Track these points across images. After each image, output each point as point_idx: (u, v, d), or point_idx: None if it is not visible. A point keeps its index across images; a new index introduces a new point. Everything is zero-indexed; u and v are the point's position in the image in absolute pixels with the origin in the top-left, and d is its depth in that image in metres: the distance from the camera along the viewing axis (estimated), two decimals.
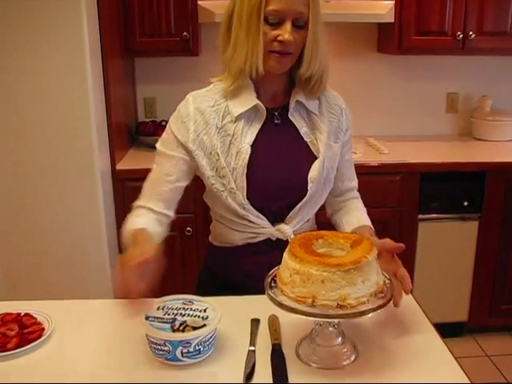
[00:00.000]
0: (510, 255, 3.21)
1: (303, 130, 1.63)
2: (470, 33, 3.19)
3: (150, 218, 1.58)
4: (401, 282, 1.36)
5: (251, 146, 1.56)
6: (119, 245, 2.96)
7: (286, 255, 1.26)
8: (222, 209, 1.63)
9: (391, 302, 1.24)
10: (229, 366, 1.29)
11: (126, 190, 2.95)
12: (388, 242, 1.43)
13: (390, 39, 3.26)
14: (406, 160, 3.07)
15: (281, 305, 1.21)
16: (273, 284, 1.28)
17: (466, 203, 3.12)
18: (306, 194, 1.60)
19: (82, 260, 2.78)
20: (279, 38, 1.46)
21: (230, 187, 1.55)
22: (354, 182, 1.80)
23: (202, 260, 1.90)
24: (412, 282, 3.24)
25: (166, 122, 3.49)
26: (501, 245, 3.18)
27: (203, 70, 3.53)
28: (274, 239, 1.64)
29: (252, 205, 1.58)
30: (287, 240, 1.58)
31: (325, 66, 1.58)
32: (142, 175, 2.89)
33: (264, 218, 1.61)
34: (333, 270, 1.15)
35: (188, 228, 2.98)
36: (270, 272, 1.32)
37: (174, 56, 3.35)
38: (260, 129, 1.59)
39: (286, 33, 1.45)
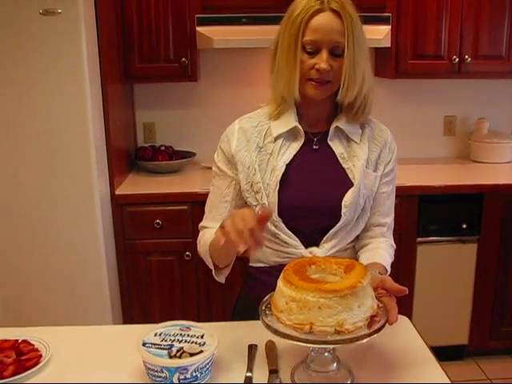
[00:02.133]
0: (510, 277, 3.20)
1: (341, 155, 1.65)
2: (466, 56, 3.22)
3: None
4: (388, 312, 1.31)
5: (287, 165, 1.62)
6: (118, 270, 2.99)
7: (280, 282, 1.26)
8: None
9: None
10: None
11: (125, 214, 2.96)
12: (389, 280, 1.41)
13: (386, 63, 3.29)
14: (404, 183, 3.08)
15: (276, 332, 1.21)
16: (267, 312, 1.28)
17: (464, 226, 3.12)
18: (339, 220, 1.62)
19: (81, 285, 2.77)
20: (316, 66, 1.52)
21: (262, 202, 1.61)
22: (388, 219, 1.74)
23: (239, 289, 1.89)
24: (411, 306, 3.25)
25: (166, 146, 3.55)
26: (500, 266, 3.18)
27: (202, 96, 3.58)
28: None
29: (284, 224, 1.62)
30: None
31: (367, 93, 1.62)
32: (141, 200, 2.96)
33: (296, 238, 1.64)
34: (329, 295, 1.16)
35: (187, 252, 2.98)
36: (264, 299, 1.33)
37: (172, 81, 3.38)
38: (298, 151, 1.64)
39: (322, 62, 1.51)
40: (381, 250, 1.68)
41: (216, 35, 2.99)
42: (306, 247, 1.65)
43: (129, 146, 3.43)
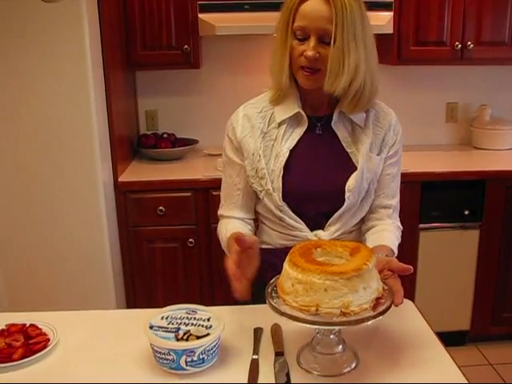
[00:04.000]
0: (511, 263, 3.21)
1: (345, 140, 1.66)
2: (469, 43, 3.21)
3: (237, 222, 1.72)
4: (394, 294, 1.33)
5: (291, 150, 1.64)
6: (122, 257, 3.00)
7: (286, 265, 1.27)
8: (263, 209, 1.71)
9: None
10: (232, 375, 1.30)
11: (129, 201, 2.97)
12: (395, 262, 1.42)
13: (389, 50, 3.28)
14: (406, 169, 3.07)
15: (283, 314, 1.22)
16: (274, 294, 1.30)
17: (466, 212, 3.13)
18: (343, 204, 1.63)
19: (85, 272, 2.79)
20: (304, 53, 1.52)
21: (266, 188, 1.64)
22: (393, 201, 1.75)
23: None
24: (414, 292, 3.26)
25: (168, 134, 3.56)
26: (502, 253, 3.19)
27: (204, 83, 3.58)
28: None
29: (290, 208, 1.65)
30: None
31: (363, 83, 1.57)
32: (144, 187, 2.97)
33: (301, 222, 1.66)
34: (335, 278, 1.17)
35: (190, 239, 3.00)
36: (270, 282, 1.34)
37: (175, 69, 3.38)
38: (302, 136, 1.66)
39: (308, 49, 1.51)
40: (387, 233, 1.69)
41: (218, 22, 2.99)
42: (312, 230, 1.66)
43: (131, 133, 3.44)
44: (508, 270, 3.23)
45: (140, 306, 3.03)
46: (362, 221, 1.76)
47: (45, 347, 1.39)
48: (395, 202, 1.76)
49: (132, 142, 3.42)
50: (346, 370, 1.30)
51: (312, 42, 1.50)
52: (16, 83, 2.56)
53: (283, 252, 1.63)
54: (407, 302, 1.63)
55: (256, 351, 1.38)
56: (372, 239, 1.66)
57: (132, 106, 3.50)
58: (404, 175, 3.01)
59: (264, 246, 1.76)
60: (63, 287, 2.78)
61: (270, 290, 1.30)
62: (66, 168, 2.66)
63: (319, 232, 1.66)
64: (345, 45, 1.49)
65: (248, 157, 1.67)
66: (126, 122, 3.30)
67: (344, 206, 1.63)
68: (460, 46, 3.22)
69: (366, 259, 1.22)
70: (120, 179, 2.97)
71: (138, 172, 3.15)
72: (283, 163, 1.63)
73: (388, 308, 1.22)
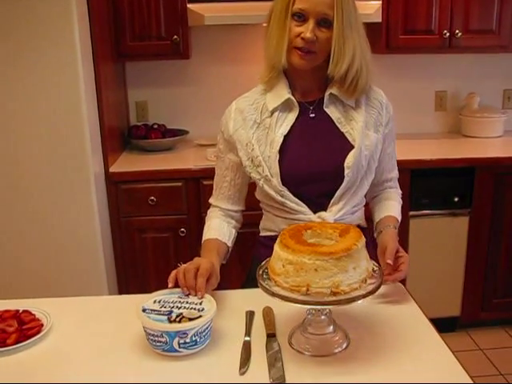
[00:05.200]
0: (501, 249, 3.24)
1: (339, 120, 1.69)
2: (457, 31, 3.23)
3: (221, 218, 1.81)
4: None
5: (285, 136, 1.67)
6: (114, 247, 3.01)
7: (276, 247, 1.29)
8: (265, 197, 1.74)
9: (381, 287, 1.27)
10: (224, 356, 1.32)
11: (120, 192, 2.97)
12: (389, 250, 1.56)
13: (377, 39, 3.29)
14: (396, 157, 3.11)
15: (274, 294, 1.24)
16: (265, 276, 1.31)
17: (456, 199, 3.15)
18: (343, 182, 1.66)
19: (77, 262, 2.79)
20: (302, 35, 1.56)
21: (264, 174, 1.67)
22: (393, 173, 1.88)
23: (250, 258, 1.95)
24: (404, 279, 3.28)
25: (158, 125, 3.55)
26: (491, 239, 3.22)
27: (194, 73, 3.59)
28: None
29: (290, 192, 1.67)
30: None
31: (359, 69, 1.64)
32: (134, 178, 2.97)
33: (304, 205, 1.69)
34: (325, 258, 1.19)
35: (182, 229, 3.00)
36: (261, 264, 1.36)
37: (164, 59, 3.38)
38: (295, 121, 1.69)
39: (307, 31, 1.55)
40: (391, 201, 1.82)
41: (207, 12, 2.99)
42: (315, 212, 1.68)
43: (122, 124, 3.44)
44: (497, 256, 3.26)
45: None
46: (363, 199, 1.82)
47: (38, 332, 1.41)
48: (395, 173, 1.89)
49: (122, 132, 3.42)
50: (337, 351, 1.32)
51: (311, 24, 1.55)
52: (5, 76, 2.55)
53: None
54: (399, 286, 1.66)
55: (248, 333, 1.40)
56: (378, 209, 1.80)
57: (122, 97, 3.49)
58: None
59: (267, 234, 1.82)
60: (55, 278, 2.78)
61: (261, 272, 1.32)
62: (57, 159, 2.66)
63: (322, 213, 1.68)
64: (345, 29, 1.56)
65: (242, 148, 1.70)
66: (117, 113, 3.30)
67: (344, 184, 1.66)
68: (448, 34, 3.23)
69: (356, 240, 1.24)
70: (111, 170, 2.97)
71: (129, 162, 3.16)
72: (278, 148, 1.65)
73: (378, 287, 1.24)
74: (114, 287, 3.03)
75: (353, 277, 1.20)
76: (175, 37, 3.12)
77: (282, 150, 1.65)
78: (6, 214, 2.72)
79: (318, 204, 1.69)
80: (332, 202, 1.69)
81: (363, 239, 1.27)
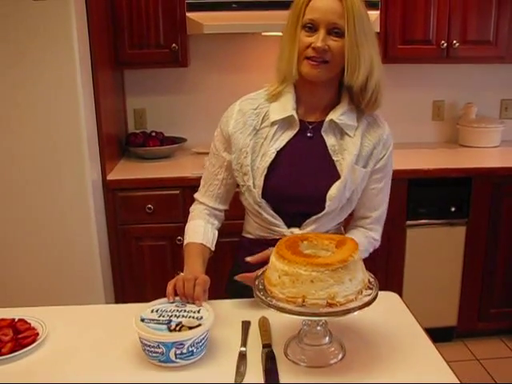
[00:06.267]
0: (498, 259, 3.25)
1: (332, 148, 1.66)
2: (454, 42, 3.24)
3: (205, 218, 1.80)
4: None
5: (278, 152, 1.65)
6: (111, 255, 3.01)
7: (273, 257, 1.29)
8: (245, 201, 1.74)
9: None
10: (220, 367, 1.32)
11: (117, 199, 2.98)
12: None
13: None
14: (393, 167, 3.11)
15: (270, 305, 1.24)
16: (261, 287, 1.31)
17: (453, 209, 3.16)
18: (323, 210, 1.65)
19: (74, 270, 2.79)
20: (312, 45, 1.54)
21: (248, 184, 1.67)
22: (374, 213, 1.77)
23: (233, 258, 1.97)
24: (401, 288, 3.28)
25: (156, 132, 3.56)
26: (488, 249, 3.22)
27: (192, 81, 3.59)
28: None
29: (269, 204, 1.68)
30: None
31: (378, 82, 1.61)
32: (132, 185, 2.97)
33: (279, 219, 1.69)
34: (321, 269, 1.19)
35: (179, 237, 3.00)
36: (257, 275, 1.36)
37: (163, 67, 3.39)
38: (291, 138, 1.67)
39: (318, 40, 1.53)
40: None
41: (206, 20, 3.00)
42: (288, 227, 1.69)
43: (120, 132, 3.44)
44: (494, 266, 3.26)
45: None
46: (339, 224, 1.79)
47: (33, 341, 1.40)
48: (376, 214, 1.77)
49: (120, 140, 3.43)
50: (332, 362, 1.32)
51: (321, 34, 1.53)
52: (3, 82, 2.56)
53: (262, 243, 1.70)
54: (394, 296, 1.66)
55: (244, 343, 1.40)
56: None
57: (120, 104, 3.50)
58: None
59: (247, 236, 1.83)
60: (52, 286, 2.78)
61: (257, 283, 1.32)
62: (55, 166, 2.66)
63: (295, 230, 1.69)
64: (358, 38, 1.54)
65: (236, 151, 1.69)
66: (115, 121, 3.30)
67: (323, 212, 1.66)
68: (446, 44, 3.25)
69: (352, 251, 1.24)
70: (108, 177, 2.97)
71: (127, 170, 3.16)
72: (268, 163, 1.65)
73: (373, 299, 1.24)
74: (110, 295, 3.03)
75: (349, 288, 1.20)
76: (174, 45, 3.13)
77: (271, 165, 1.65)
78: (2, 222, 2.71)
79: (294, 220, 1.69)
80: (307, 222, 1.68)
81: (359, 251, 1.27)
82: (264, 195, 1.66)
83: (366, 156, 1.68)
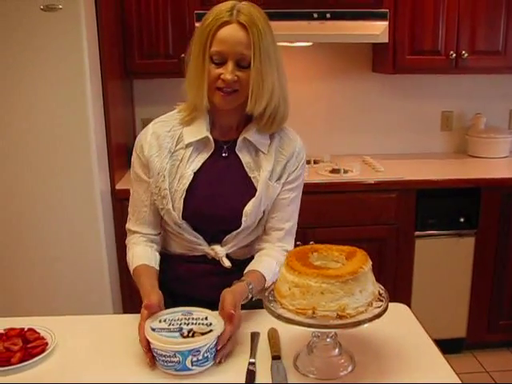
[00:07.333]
0: (507, 270, 3.23)
1: (248, 165, 1.69)
2: (463, 52, 3.25)
3: (142, 244, 1.76)
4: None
5: (195, 173, 1.66)
6: (119, 264, 3.00)
7: (283, 269, 1.29)
8: (165, 223, 1.74)
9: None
10: (230, 378, 1.31)
11: (126, 209, 2.95)
12: (227, 299, 1.44)
13: (384, 59, 3.31)
14: (402, 177, 3.11)
15: (279, 317, 1.24)
16: (270, 298, 1.31)
17: (462, 219, 3.15)
18: (240, 226, 1.67)
19: (82, 279, 2.79)
20: (222, 76, 1.54)
21: (167, 207, 1.66)
22: (287, 225, 1.76)
23: None
24: (409, 299, 3.27)
25: None
26: (497, 260, 3.21)
27: None
28: (210, 257, 1.72)
29: (189, 224, 1.68)
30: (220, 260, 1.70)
31: (277, 105, 1.63)
32: None
33: (200, 237, 1.70)
34: (331, 281, 1.18)
35: None
36: (267, 286, 1.36)
37: (172, 77, 3.38)
38: (207, 159, 1.67)
39: (227, 72, 1.53)
40: (267, 258, 1.70)
41: None
42: (209, 244, 1.71)
43: (128, 141, 3.44)
44: (503, 277, 3.24)
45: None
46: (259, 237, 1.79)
47: (43, 351, 1.40)
48: (288, 225, 1.77)
49: (129, 150, 3.41)
50: (342, 374, 1.32)
51: (230, 66, 1.54)
52: (14, 92, 2.58)
53: (181, 259, 1.74)
54: (404, 307, 1.65)
55: (253, 355, 1.39)
56: (252, 262, 1.70)
57: (129, 114, 3.51)
58: (399, 183, 3.09)
59: (164, 251, 1.81)
60: (60, 295, 2.78)
61: (267, 294, 1.32)
62: (64, 176, 2.67)
63: (216, 247, 1.70)
64: (263, 68, 1.54)
65: (153, 175, 1.67)
66: (123, 131, 3.31)
67: (241, 228, 1.68)
68: (454, 55, 3.25)
69: (362, 263, 1.24)
70: (117, 187, 2.98)
71: None
72: (186, 185, 1.65)
73: (384, 311, 1.23)
74: (118, 304, 3.03)
75: (359, 300, 1.20)
76: (183, 55, 3.12)
77: (189, 187, 1.65)
78: (11, 232, 2.72)
79: (214, 237, 1.71)
80: (227, 238, 1.70)
81: (369, 263, 1.27)
82: (184, 216, 1.66)
83: (279, 171, 1.71)
